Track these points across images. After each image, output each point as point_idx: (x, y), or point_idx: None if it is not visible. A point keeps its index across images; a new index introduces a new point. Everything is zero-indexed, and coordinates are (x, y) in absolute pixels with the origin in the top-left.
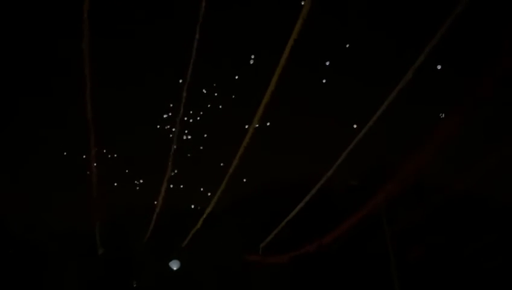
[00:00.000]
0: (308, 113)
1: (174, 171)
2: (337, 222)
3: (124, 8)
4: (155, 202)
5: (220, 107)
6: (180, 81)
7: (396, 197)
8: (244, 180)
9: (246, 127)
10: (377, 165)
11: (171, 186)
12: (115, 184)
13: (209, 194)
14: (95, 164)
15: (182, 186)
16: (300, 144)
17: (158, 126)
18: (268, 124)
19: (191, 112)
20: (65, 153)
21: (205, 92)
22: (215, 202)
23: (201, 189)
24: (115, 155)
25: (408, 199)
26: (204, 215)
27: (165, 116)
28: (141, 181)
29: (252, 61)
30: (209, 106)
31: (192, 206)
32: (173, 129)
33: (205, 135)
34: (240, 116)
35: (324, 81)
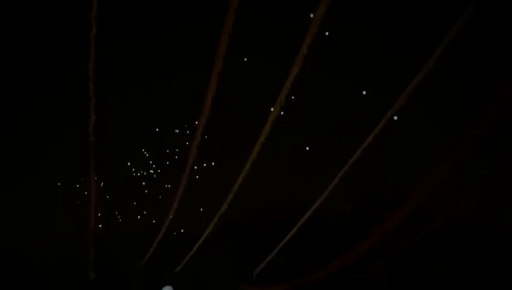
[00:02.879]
0: (302, 139)
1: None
2: (330, 248)
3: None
4: (150, 227)
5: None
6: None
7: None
8: (237, 205)
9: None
10: (371, 191)
11: (166, 211)
12: (110, 209)
13: (203, 220)
14: (92, 189)
15: (176, 212)
16: (294, 168)
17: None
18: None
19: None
20: (62, 175)
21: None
22: (210, 228)
23: (196, 215)
24: (112, 179)
25: (403, 226)
26: (200, 241)
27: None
28: (136, 207)
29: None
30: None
31: (186, 232)
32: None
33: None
34: (237, 145)
35: (319, 103)
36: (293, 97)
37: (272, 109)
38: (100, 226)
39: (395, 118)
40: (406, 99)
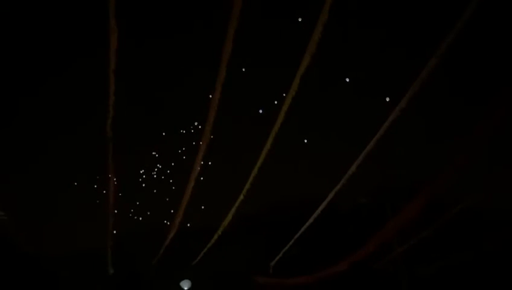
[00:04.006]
0: (316, 130)
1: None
2: (346, 239)
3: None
4: (166, 222)
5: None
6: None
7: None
8: (253, 198)
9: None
10: (386, 182)
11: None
12: (127, 205)
13: (219, 213)
14: (111, 187)
15: (192, 206)
16: (308, 160)
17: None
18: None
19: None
20: (80, 173)
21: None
22: (226, 221)
23: (212, 208)
24: (126, 176)
25: (419, 217)
26: (217, 234)
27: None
28: (153, 201)
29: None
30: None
31: (202, 226)
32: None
33: (218, 156)
34: (252, 137)
35: (332, 96)
36: (305, 89)
37: (284, 102)
38: (117, 223)
39: (408, 108)
40: (418, 88)
